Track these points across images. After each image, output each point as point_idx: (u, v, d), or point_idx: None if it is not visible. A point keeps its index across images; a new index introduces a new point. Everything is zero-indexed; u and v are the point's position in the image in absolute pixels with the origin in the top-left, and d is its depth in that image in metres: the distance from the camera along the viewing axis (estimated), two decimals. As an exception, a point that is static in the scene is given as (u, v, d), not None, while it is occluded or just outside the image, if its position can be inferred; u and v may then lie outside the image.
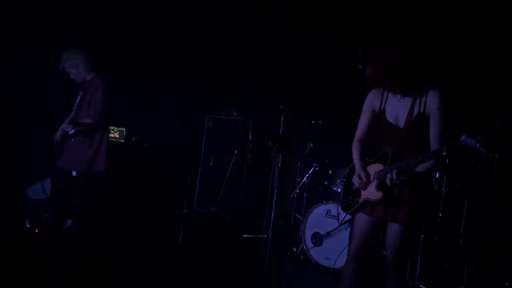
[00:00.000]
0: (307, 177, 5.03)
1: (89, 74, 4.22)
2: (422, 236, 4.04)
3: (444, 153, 2.11)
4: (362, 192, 2.52)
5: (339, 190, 4.47)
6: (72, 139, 4.11)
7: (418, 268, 3.91)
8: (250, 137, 5.80)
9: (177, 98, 6.49)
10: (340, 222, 4.14)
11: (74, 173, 4.16)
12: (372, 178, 2.49)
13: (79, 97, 4.23)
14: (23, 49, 5.21)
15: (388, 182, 2.33)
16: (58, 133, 4.18)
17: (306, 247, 4.34)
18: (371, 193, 2.46)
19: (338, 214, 4.17)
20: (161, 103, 6.38)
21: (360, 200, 2.52)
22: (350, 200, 2.61)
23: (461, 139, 2.00)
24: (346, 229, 4.10)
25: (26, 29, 5.23)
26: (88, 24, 5.54)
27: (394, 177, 2.28)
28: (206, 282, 3.60)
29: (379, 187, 2.42)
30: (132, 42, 5.91)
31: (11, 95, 5.30)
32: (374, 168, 2.50)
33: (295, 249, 4.56)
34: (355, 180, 2.56)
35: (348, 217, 4.00)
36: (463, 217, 4.09)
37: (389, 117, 2.49)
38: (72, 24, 5.39)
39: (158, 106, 6.37)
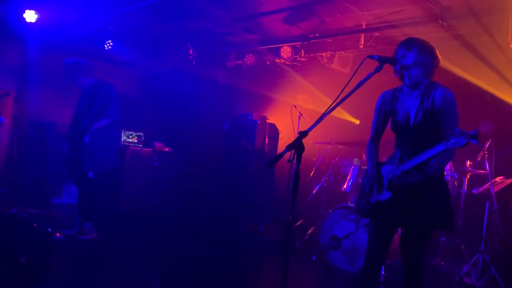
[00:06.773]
0: (324, 180, 5.01)
1: (90, 80, 4.43)
2: (442, 239, 4.00)
3: (444, 148, 2.08)
4: (374, 194, 2.52)
5: (356, 193, 4.44)
6: (88, 141, 4.24)
7: (437, 270, 3.86)
8: (266, 141, 5.81)
9: (194, 102, 6.55)
10: (356, 226, 4.11)
11: (91, 175, 4.28)
12: (384, 180, 2.48)
13: (83, 102, 4.39)
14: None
15: (395, 181, 2.32)
16: (73, 136, 4.35)
17: (324, 250, 4.32)
18: (382, 194, 2.45)
19: (356, 217, 4.13)
20: (177, 107, 6.44)
21: (373, 202, 2.51)
22: (364, 203, 2.59)
23: (455, 132, 2.01)
24: (365, 232, 4.07)
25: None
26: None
27: (400, 176, 2.28)
28: (222, 284, 3.62)
29: (388, 188, 2.41)
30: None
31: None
32: (386, 170, 2.49)
33: (312, 252, 4.53)
34: (367, 181, 2.56)
35: (367, 220, 3.96)
36: (484, 220, 4.02)
37: (400, 117, 2.48)
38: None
39: (174, 111, 6.44)
